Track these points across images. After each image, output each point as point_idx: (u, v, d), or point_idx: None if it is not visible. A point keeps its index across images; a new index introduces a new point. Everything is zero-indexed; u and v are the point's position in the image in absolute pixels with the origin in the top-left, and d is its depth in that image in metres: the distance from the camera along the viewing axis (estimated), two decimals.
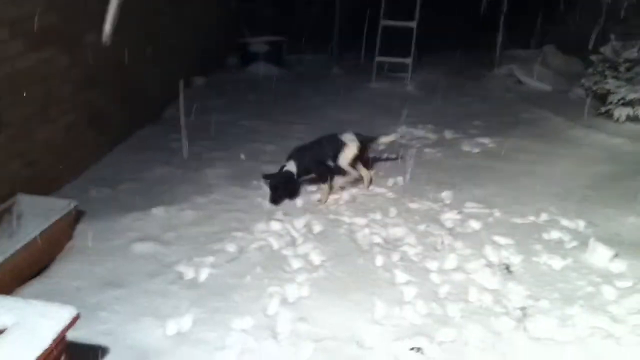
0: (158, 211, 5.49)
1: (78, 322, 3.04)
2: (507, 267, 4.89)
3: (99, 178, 6.23)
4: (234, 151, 7.15)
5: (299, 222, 5.50)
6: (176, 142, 7.19)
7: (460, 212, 5.78)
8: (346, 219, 5.60)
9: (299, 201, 5.97)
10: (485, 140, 7.80)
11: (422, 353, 3.86)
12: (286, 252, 5.01)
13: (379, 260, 4.94)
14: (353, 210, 5.80)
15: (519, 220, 5.64)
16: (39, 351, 2.74)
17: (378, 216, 5.68)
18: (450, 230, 5.46)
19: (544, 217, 5.70)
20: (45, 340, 2.79)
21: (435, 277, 4.73)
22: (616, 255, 4.93)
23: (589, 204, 5.96)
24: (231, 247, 5.01)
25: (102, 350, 3.68)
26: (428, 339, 3.98)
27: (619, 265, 4.86)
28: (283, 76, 11.16)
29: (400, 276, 4.72)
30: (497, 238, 5.30)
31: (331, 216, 5.65)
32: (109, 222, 5.22)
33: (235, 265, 4.77)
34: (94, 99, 6.41)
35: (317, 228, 5.43)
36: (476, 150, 7.53)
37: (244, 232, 5.27)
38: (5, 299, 3.12)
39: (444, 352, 3.87)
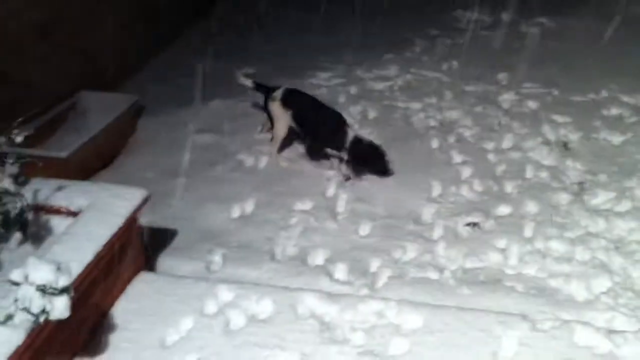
0: (215, 104, 5.58)
1: (148, 208, 3.19)
2: (565, 144, 4.86)
3: (156, 74, 6.32)
4: (284, 44, 7.09)
5: (355, 109, 5.51)
6: (226, 38, 7.17)
7: (517, 93, 5.70)
8: (401, 104, 5.59)
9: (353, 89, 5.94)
10: (544, 20, 7.52)
11: (479, 227, 3.94)
12: None
13: (435, 143, 4.97)
14: (408, 95, 5.77)
15: (578, 98, 5.55)
16: (114, 229, 2.89)
17: (433, 100, 5.65)
18: (507, 111, 5.42)
19: (603, 94, 5.60)
20: (119, 218, 2.95)
21: (491, 157, 4.75)
22: None
23: None
24: None
25: (171, 233, 3.88)
26: (484, 214, 4.05)
27: None
28: None
29: (457, 157, 4.76)
30: (555, 116, 5.25)
31: (385, 102, 5.64)
32: (170, 116, 5.35)
33: (293, 152, 4.88)
34: None
35: (372, 114, 5.44)
36: (534, 30, 7.29)
37: None
38: (80, 183, 3.27)
39: (500, 226, 3.93)
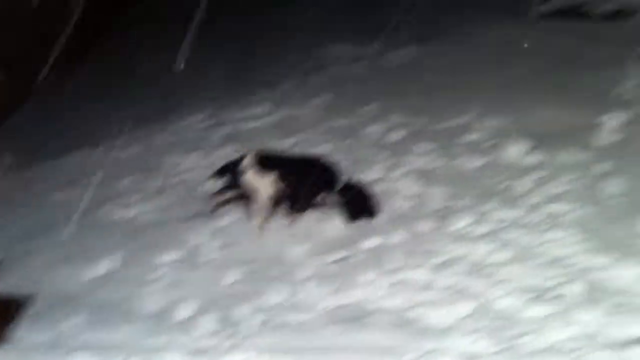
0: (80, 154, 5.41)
1: None
2: (430, 172, 5.01)
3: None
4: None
5: (224, 152, 5.46)
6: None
7: (384, 124, 5.84)
8: (273, 143, 5.59)
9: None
10: (409, 50, 7.78)
11: (347, 263, 3.99)
12: None
13: None
14: (280, 133, 5.82)
15: (442, 126, 5.72)
16: None
17: (306, 135, 5.73)
18: (376, 142, 5.53)
19: (466, 119, 5.78)
20: None
21: None
22: (534, 148, 5.09)
23: (511, 102, 6.06)
24: None
25: (24, 300, 3.69)
26: (352, 248, 4.12)
27: (534, 158, 5.01)
28: None
29: None
30: (420, 145, 5.39)
31: (256, 141, 5.61)
32: (29, 171, 5.14)
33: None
34: None
35: None
36: (400, 60, 7.53)
37: None
38: None
39: (368, 259, 4.00)
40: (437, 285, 3.69)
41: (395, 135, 5.61)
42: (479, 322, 3.37)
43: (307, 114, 6.16)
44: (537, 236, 4.08)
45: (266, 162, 4.44)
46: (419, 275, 3.78)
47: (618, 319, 3.30)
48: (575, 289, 3.55)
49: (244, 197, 4.49)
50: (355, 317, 3.48)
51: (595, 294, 3.51)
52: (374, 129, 5.76)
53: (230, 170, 4.42)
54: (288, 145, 5.50)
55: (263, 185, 4.38)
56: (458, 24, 8.67)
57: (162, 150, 5.78)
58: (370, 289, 3.71)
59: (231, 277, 3.90)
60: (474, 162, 5.06)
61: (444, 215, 4.42)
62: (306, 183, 4.39)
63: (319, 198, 4.52)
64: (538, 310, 3.43)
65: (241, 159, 4.44)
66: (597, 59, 6.88)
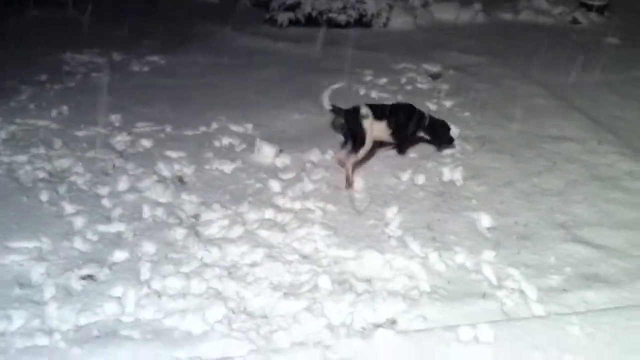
0: None
1: None
2: (180, 179, 4.91)
3: None
4: None
5: None
6: None
7: (130, 133, 5.61)
8: (4, 159, 5.06)
9: None
10: (155, 58, 7.66)
11: (94, 279, 3.71)
12: None
13: (45, 196, 4.58)
14: (12, 147, 5.26)
15: (190, 132, 5.67)
16: None
17: (41, 150, 5.23)
18: (122, 153, 5.27)
19: (214, 126, 5.81)
20: None
21: (106, 202, 4.54)
22: (281, 151, 5.23)
23: (257, 108, 6.24)
24: None
25: None
26: (99, 264, 3.83)
27: (283, 160, 5.17)
28: None
29: (69, 207, 4.44)
30: (169, 153, 5.26)
31: None
32: None
33: None
34: None
35: None
36: (146, 69, 7.36)
37: None
38: None
39: (116, 273, 3.76)
40: (191, 292, 3.60)
41: (143, 144, 5.41)
42: (234, 324, 3.35)
43: (44, 126, 5.68)
44: (287, 235, 4.18)
45: (375, 110, 5.04)
46: (171, 284, 3.65)
47: (366, 306, 3.50)
48: (324, 282, 3.69)
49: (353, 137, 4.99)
50: (104, 335, 3.25)
51: (343, 285, 3.68)
52: (119, 139, 5.49)
53: (351, 115, 4.99)
54: (19, 163, 5.01)
55: (378, 129, 5.05)
56: (203, 35, 8.73)
57: None
58: (119, 304, 3.49)
59: None
60: (224, 167, 5.06)
61: (196, 221, 4.34)
62: (407, 125, 5.21)
63: (416, 135, 5.34)
64: (290, 306, 3.51)
65: (356, 108, 5.00)
66: (337, 63, 7.34)
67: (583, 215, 4.38)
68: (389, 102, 5.64)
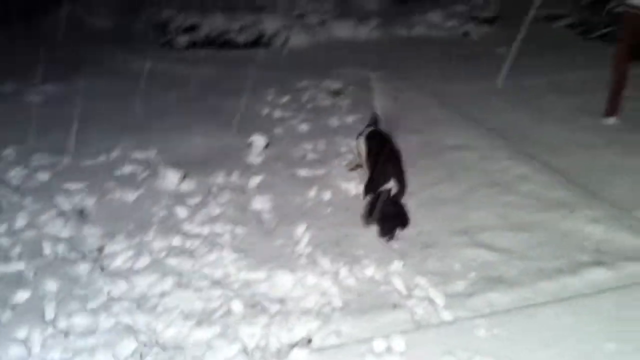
0: None
1: None
2: (82, 212, 4.76)
3: None
4: None
5: None
6: None
7: (26, 167, 5.41)
8: None
9: None
10: (50, 87, 7.43)
11: None
12: None
13: None
14: None
15: (90, 162, 5.55)
16: None
17: None
18: (17, 188, 5.08)
19: (115, 153, 5.69)
20: None
21: (4, 240, 4.36)
22: (186, 176, 5.18)
23: (159, 132, 6.16)
24: None
25: None
26: (1, 306, 3.67)
27: (188, 185, 5.13)
28: None
29: None
30: (68, 185, 5.12)
31: None
32: None
33: None
34: None
35: None
36: (39, 98, 7.13)
37: None
38: None
39: (19, 315, 3.59)
40: (99, 328, 3.49)
41: (40, 177, 5.22)
42: (146, 358, 3.27)
43: None
44: (196, 261, 4.13)
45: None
46: (78, 321, 3.52)
47: (280, 327, 3.50)
48: (237, 306, 3.67)
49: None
50: None
51: (256, 307, 3.67)
52: (13, 174, 5.28)
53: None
54: None
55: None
56: (99, 60, 8.54)
57: None
58: (25, 346, 3.35)
59: None
60: (128, 196, 4.96)
61: (100, 254, 4.22)
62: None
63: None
64: (203, 334, 3.46)
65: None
66: (238, 84, 7.34)
67: (482, 221, 4.55)
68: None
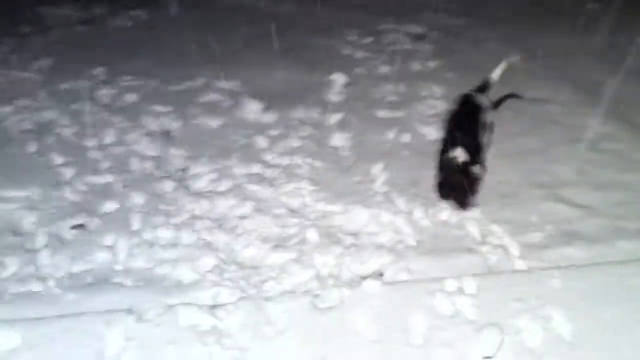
0: None
1: None
2: (168, 133, 4.92)
3: None
4: None
5: None
6: None
7: (115, 87, 5.60)
8: None
9: None
10: (138, 12, 7.55)
11: (85, 228, 3.75)
12: None
13: (33, 146, 4.61)
14: None
15: (175, 88, 5.66)
16: None
17: (27, 101, 5.23)
18: (107, 106, 5.27)
19: (199, 81, 5.79)
20: None
21: (94, 154, 4.57)
22: (267, 108, 5.26)
23: (242, 64, 6.20)
24: None
25: None
26: (90, 213, 3.89)
27: (270, 116, 5.19)
28: None
29: (57, 159, 4.48)
30: (155, 107, 5.26)
31: None
32: None
33: None
34: None
35: None
36: (129, 23, 7.28)
37: None
38: None
39: (107, 223, 3.81)
40: (181, 242, 3.66)
41: (128, 98, 5.40)
42: (223, 274, 3.42)
43: (26, 79, 5.65)
44: (275, 189, 4.23)
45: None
46: (161, 234, 3.71)
47: (353, 259, 3.58)
48: (312, 235, 3.77)
49: None
50: (97, 281, 3.31)
51: (331, 238, 3.76)
52: (103, 92, 5.48)
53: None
54: (5, 113, 5.00)
55: None
56: None
57: None
58: (111, 253, 3.56)
59: None
60: (211, 123, 5.08)
61: (184, 174, 4.38)
62: None
63: None
64: (278, 257, 3.58)
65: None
66: (319, 22, 7.31)
67: (563, 175, 4.48)
68: None
